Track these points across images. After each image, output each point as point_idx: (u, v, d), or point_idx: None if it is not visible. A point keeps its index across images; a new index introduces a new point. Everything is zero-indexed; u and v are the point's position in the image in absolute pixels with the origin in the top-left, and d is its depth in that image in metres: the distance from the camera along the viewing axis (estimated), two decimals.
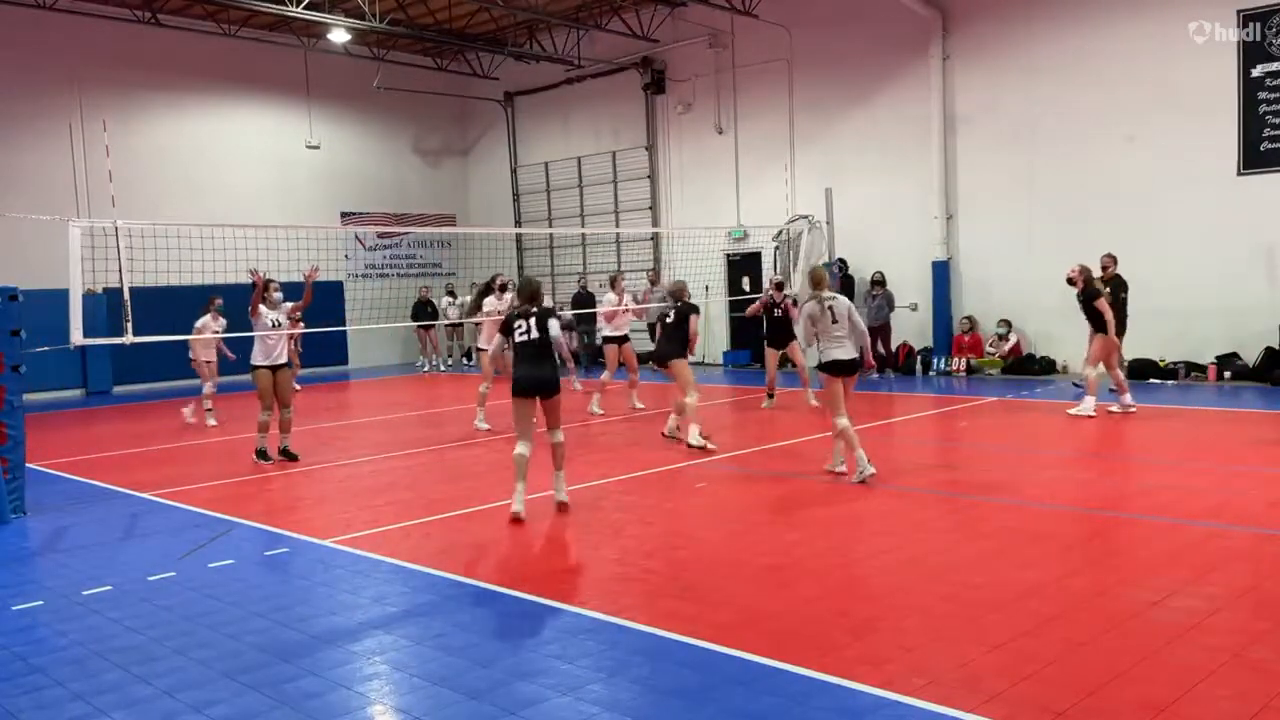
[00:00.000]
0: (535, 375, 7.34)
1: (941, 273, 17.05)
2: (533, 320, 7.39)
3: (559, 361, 7.57)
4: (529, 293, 7.68)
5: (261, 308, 10.27)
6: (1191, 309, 14.39)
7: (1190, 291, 14.35)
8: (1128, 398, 11.59)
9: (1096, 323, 11.58)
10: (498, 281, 13.12)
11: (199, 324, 13.70)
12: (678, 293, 10.92)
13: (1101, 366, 11.62)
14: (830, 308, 8.33)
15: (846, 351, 8.38)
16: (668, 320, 10.75)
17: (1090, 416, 11.28)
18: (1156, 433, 10.76)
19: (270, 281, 10.47)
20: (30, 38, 18.56)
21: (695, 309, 10.83)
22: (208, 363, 14.03)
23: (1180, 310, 14.36)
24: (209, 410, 13.83)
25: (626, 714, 3.97)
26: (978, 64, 16.53)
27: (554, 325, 7.42)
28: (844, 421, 8.30)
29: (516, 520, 7.18)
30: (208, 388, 13.90)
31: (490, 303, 12.75)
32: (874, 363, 10.11)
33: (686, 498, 8.17)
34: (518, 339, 7.41)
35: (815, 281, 8.61)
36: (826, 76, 18.41)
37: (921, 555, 6.14)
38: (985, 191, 16.63)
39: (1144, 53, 14.76)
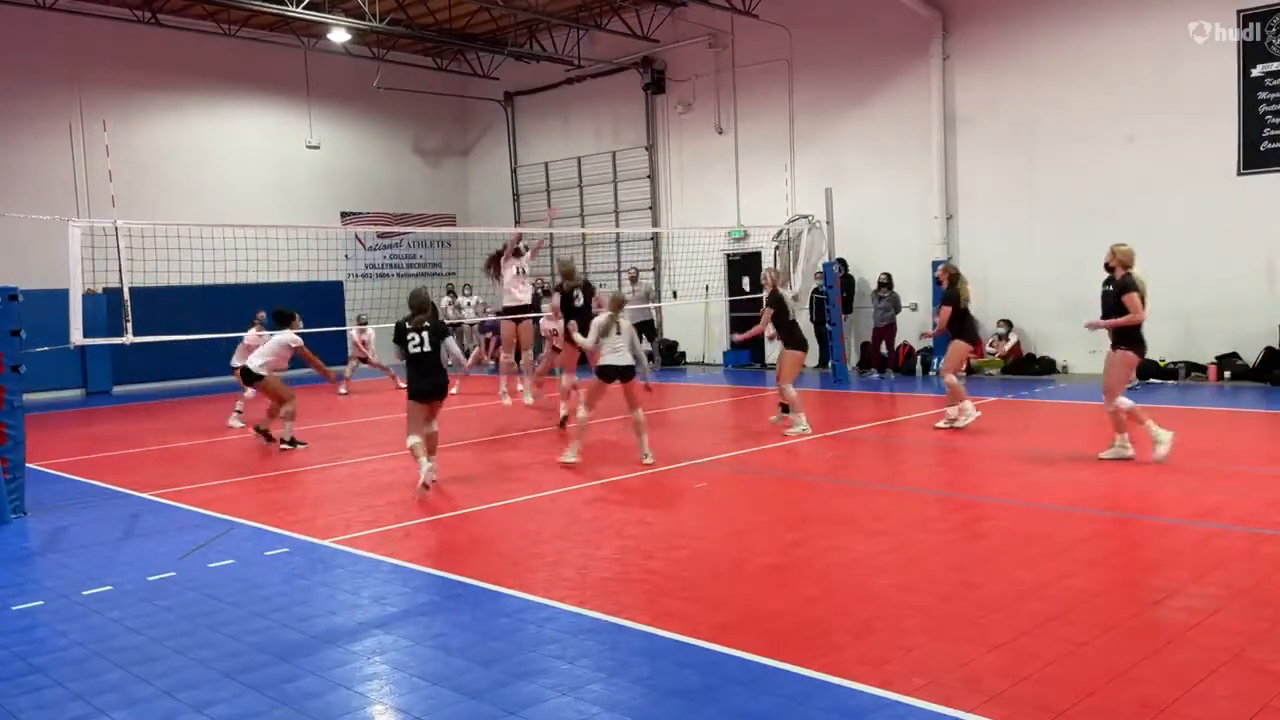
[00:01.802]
0: (432, 384, 8.42)
1: None
2: (425, 334, 8.24)
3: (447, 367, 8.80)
4: (418, 303, 8.43)
5: None
6: (1191, 309, 14.38)
7: (1190, 291, 14.33)
8: (968, 405, 11.08)
9: (955, 327, 11.04)
10: (522, 243, 13.07)
11: (248, 338, 13.61)
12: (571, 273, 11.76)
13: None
14: (618, 322, 9.34)
15: (622, 358, 9.29)
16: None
17: (963, 428, 10.85)
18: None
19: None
20: (30, 37, 18.56)
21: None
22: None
23: (1180, 310, 14.34)
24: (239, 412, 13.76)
25: (627, 714, 3.97)
26: (978, 64, 16.53)
27: (450, 342, 8.36)
28: (585, 415, 9.43)
29: (426, 488, 8.22)
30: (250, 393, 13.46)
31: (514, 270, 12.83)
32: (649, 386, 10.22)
33: (686, 498, 8.18)
34: (411, 350, 8.29)
35: (599, 303, 9.91)
36: (826, 76, 18.42)
37: (921, 555, 6.15)
38: (985, 191, 16.63)
39: (1144, 53, 14.77)
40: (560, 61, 21.53)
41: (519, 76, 23.56)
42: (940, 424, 11.14)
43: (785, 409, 11.31)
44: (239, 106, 21.58)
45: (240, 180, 21.41)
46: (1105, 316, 9.35)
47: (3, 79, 18.43)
